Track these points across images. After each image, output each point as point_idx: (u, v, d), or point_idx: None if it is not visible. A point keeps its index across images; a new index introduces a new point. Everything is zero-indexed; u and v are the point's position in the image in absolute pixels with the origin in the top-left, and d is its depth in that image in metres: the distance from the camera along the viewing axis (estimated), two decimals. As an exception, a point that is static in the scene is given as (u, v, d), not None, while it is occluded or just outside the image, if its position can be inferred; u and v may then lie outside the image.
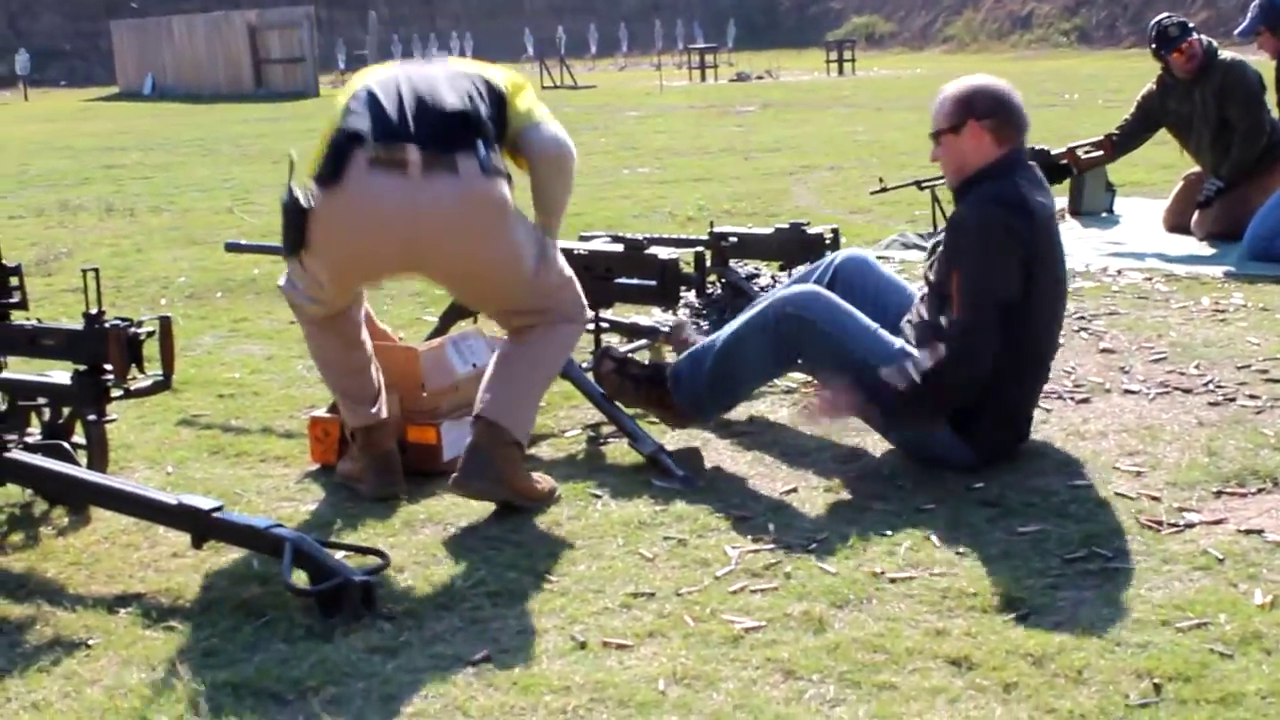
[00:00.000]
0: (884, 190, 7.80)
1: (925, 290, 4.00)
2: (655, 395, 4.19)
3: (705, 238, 5.36)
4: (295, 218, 3.57)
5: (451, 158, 3.54)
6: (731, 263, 5.51)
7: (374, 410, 3.89)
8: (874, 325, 3.99)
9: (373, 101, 3.60)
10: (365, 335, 3.93)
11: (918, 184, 7.54)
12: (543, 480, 3.79)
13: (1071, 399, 4.53)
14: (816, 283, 4.25)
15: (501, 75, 3.79)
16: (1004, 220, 3.77)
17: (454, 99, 3.62)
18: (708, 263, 5.26)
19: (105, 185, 12.66)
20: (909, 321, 4.02)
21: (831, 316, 3.97)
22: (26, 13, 41.06)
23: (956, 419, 3.85)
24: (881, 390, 3.78)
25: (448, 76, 3.71)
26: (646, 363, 4.37)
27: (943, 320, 3.81)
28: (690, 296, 5.39)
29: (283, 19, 32.43)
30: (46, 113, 27.37)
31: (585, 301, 3.92)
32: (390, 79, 3.68)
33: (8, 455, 3.61)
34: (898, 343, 3.94)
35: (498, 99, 3.69)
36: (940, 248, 3.95)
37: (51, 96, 34.50)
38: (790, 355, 4.04)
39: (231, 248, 5.51)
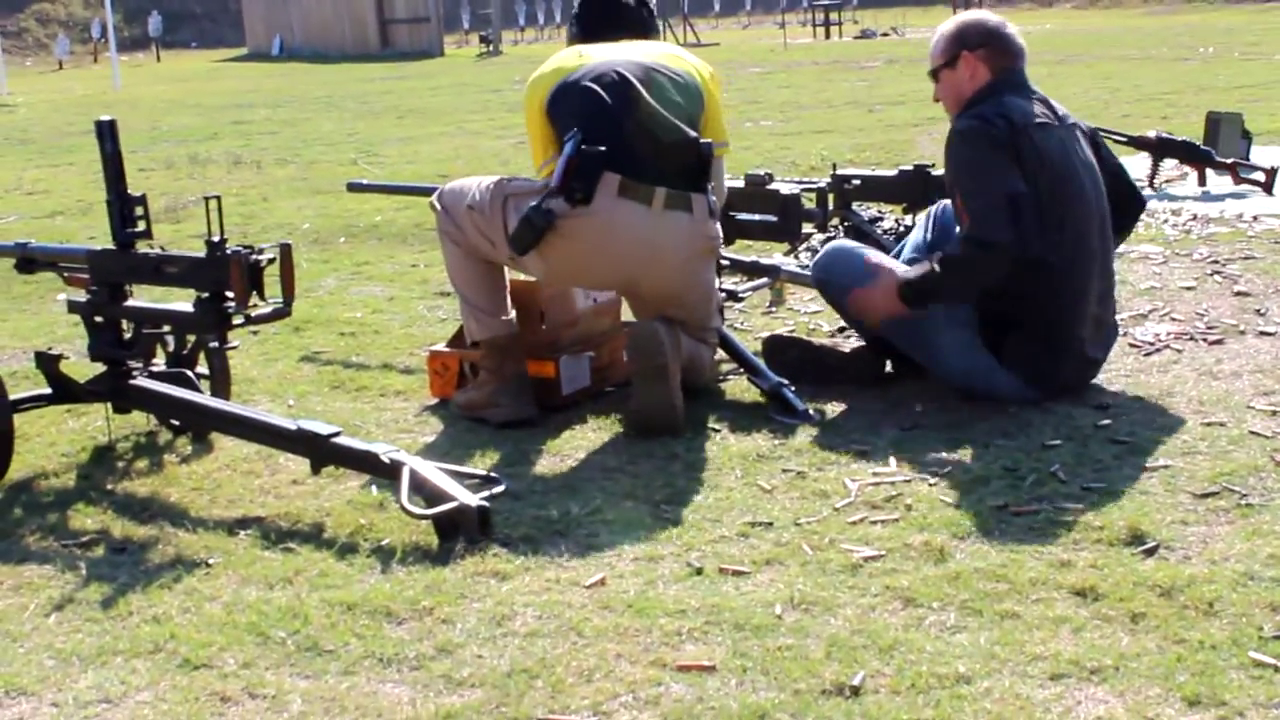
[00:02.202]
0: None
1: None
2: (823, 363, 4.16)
3: (828, 180, 5.28)
4: (541, 226, 3.69)
5: (688, 197, 3.80)
6: (855, 205, 5.42)
7: (506, 318, 3.92)
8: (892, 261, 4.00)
9: (616, 111, 3.77)
10: None
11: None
12: None
13: (1204, 340, 4.39)
14: (931, 219, 4.21)
15: (706, 77, 4.01)
16: (980, 128, 3.79)
17: (691, 129, 3.84)
18: (830, 205, 5.20)
19: (233, 140, 12.81)
20: None
21: (849, 269, 3.99)
22: (159, -25, 41.65)
23: (999, 349, 3.82)
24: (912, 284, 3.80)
25: (681, 88, 3.90)
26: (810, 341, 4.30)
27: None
28: (814, 235, 5.32)
29: (408, -21, 32.56)
30: (178, 73, 27.78)
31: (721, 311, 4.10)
32: (625, 67, 3.85)
33: (134, 382, 3.66)
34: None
35: (701, 108, 3.93)
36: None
37: (183, 58, 34.97)
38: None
39: (353, 187, 5.54)
